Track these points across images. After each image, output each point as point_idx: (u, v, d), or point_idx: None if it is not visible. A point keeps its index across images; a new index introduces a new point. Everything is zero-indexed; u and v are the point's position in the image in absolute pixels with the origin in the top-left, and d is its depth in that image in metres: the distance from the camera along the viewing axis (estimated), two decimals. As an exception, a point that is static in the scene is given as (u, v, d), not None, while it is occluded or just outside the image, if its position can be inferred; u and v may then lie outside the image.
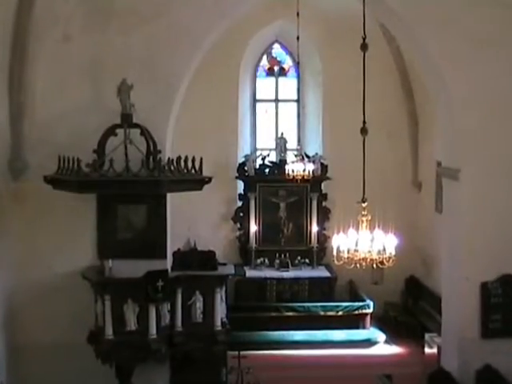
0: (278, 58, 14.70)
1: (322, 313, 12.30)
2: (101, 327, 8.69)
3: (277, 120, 14.64)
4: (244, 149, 14.18)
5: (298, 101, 14.35)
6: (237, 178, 13.82)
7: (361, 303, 12.42)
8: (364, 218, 6.23)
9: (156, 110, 9.03)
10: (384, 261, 6.15)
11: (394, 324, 12.98)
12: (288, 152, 13.83)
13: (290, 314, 12.31)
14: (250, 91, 14.46)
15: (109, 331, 8.56)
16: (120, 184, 8.24)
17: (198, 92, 12.46)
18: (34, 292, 9.09)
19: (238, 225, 13.95)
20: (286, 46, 14.47)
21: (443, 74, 8.79)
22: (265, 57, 14.65)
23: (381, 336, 12.24)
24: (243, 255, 13.84)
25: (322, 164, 13.68)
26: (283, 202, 13.85)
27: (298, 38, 11.92)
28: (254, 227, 13.68)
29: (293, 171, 11.90)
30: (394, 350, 12.09)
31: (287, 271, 13.28)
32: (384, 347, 12.14)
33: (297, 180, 11.98)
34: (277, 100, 14.66)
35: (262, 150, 14.39)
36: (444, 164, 9.76)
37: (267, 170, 13.90)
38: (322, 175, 13.71)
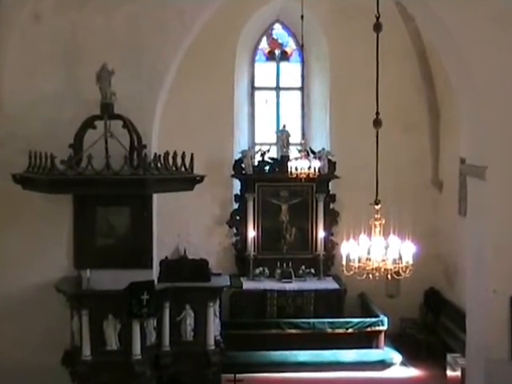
0: (280, 40, 14.70)
1: (329, 330, 12.30)
2: (77, 347, 8.69)
3: (278, 111, 14.65)
4: (241, 143, 14.18)
5: (301, 89, 14.32)
6: (233, 176, 13.82)
7: (374, 319, 12.42)
8: (377, 223, 6.21)
9: (141, 99, 9.04)
10: (400, 271, 6.14)
11: (411, 343, 12.97)
12: (291, 147, 13.83)
13: (293, 331, 12.30)
14: (247, 78, 14.46)
15: (86, 351, 8.57)
16: (99, 183, 8.25)
17: (188, 79, 12.46)
18: (0, 307, 9.07)
19: (234, 230, 13.94)
20: (289, 26, 14.48)
21: (467, 59, 8.79)
22: (264, 39, 14.66)
23: (396, 357, 12.23)
24: (240, 264, 13.83)
25: (329, 161, 13.68)
26: (285, 203, 13.84)
27: (302, 18, 11.92)
28: (252, 232, 13.67)
29: (296, 169, 11.90)
30: (412, 372, 12.07)
31: (290, 282, 13.27)
32: (400, 369, 12.12)
33: (301, 179, 11.97)
34: (278, 88, 14.67)
35: (261, 144, 14.39)
36: (469, 161, 9.76)
37: (267, 168, 13.90)
38: (330, 173, 13.71)
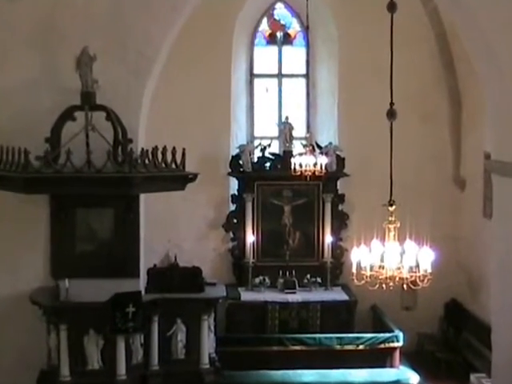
0: (282, 22, 14.68)
1: (338, 347, 12.26)
2: (55, 366, 8.70)
3: (280, 100, 14.61)
4: (238, 137, 14.16)
5: (306, 76, 14.31)
6: (229, 174, 13.81)
7: (387, 335, 12.39)
8: (392, 226, 6.21)
9: (126, 87, 9.04)
10: (417, 280, 6.13)
11: (430, 361, 12.96)
12: (294, 141, 13.80)
13: (298, 348, 12.27)
14: (245, 64, 14.44)
15: (65, 371, 8.58)
16: (80, 182, 8.28)
17: (179, 65, 12.43)
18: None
19: (231, 234, 13.93)
20: (292, 5, 14.46)
21: (493, 45, 8.76)
22: (265, 20, 14.64)
23: (413, 377, 12.21)
24: (237, 273, 13.82)
25: (337, 156, 13.66)
26: (288, 204, 13.82)
27: (307, -4, 11.92)
28: (250, 237, 13.66)
29: (300, 166, 11.86)
30: (431, 394, 12.09)
31: (293, 293, 13.25)
32: (417, 391, 12.13)
33: (305, 177, 11.93)
34: (280, 75, 14.64)
35: (261, 138, 14.35)
36: (494, 156, 9.73)
37: (268, 165, 13.88)
38: (338, 171, 13.70)
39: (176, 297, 9.15)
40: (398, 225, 6.23)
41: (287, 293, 13.23)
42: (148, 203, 9.83)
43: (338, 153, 13.65)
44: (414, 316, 12.91)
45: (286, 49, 14.64)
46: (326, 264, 13.67)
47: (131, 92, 9.09)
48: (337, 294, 13.33)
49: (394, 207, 6.28)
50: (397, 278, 6.12)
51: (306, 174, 11.86)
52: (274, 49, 14.63)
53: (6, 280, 9.09)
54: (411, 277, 6.12)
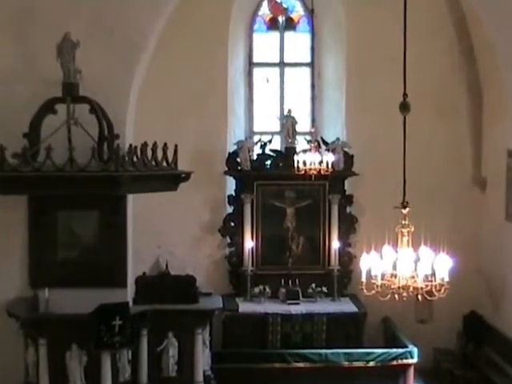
0: (284, 5, 14.68)
1: (346, 363, 12.26)
2: (33, 384, 8.69)
3: (282, 92, 14.60)
4: (236, 132, 14.16)
5: (311, 65, 14.30)
6: (226, 173, 13.80)
7: (400, 350, 12.39)
8: (405, 230, 6.23)
9: (112, 78, 9.04)
10: (433, 290, 6.14)
11: (447, 379, 12.96)
12: (298, 137, 13.80)
13: (301, 364, 12.27)
14: (244, 52, 14.42)
15: (45, 390, 8.56)
16: (61, 182, 8.26)
17: (171, 54, 12.44)
18: None
19: (228, 239, 13.92)
20: (296, -13, 14.49)
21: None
22: (265, 3, 14.64)
23: (429, 396, 12.22)
24: (235, 282, 13.81)
25: (345, 154, 13.65)
26: (291, 206, 13.82)
27: (312, -23, 11.93)
28: (249, 242, 13.64)
29: (305, 164, 11.88)
30: (448, 416, 12.09)
31: (297, 304, 13.25)
32: (433, 412, 12.14)
33: (310, 176, 11.96)
34: (282, 64, 14.63)
35: (261, 134, 14.34)
36: (518, 154, 9.74)
37: (269, 163, 13.87)
38: (346, 169, 13.68)
39: (167, 308, 9.14)
40: (412, 229, 6.24)
41: (290, 304, 13.21)
42: (136, 205, 9.81)
43: (345, 149, 13.63)
44: (430, 330, 12.87)
45: (288, 35, 14.60)
46: (332, 272, 13.66)
47: (118, 83, 9.09)
48: (344, 306, 13.30)
49: (407, 209, 6.28)
50: (411, 288, 6.13)
51: (311, 172, 11.88)
52: (276, 35, 14.60)
53: (-20, 290, 9.09)
54: (426, 286, 6.12)
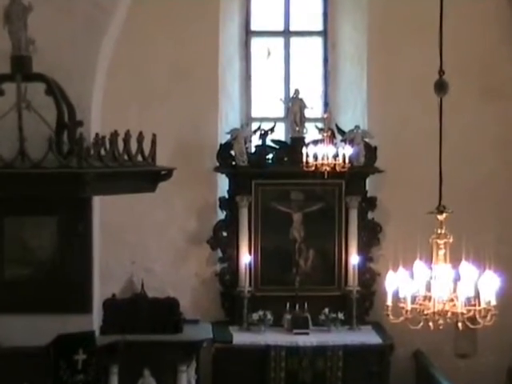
0: (290, -41, 14.74)
1: (367, 408, 12.32)
2: None
3: (287, 68, 14.63)
4: (230, 118, 14.17)
5: (324, 34, 14.36)
6: (217, 170, 13.80)
7: (436, 391, 12.43)
8: (441, 241, 6.23)
9: (74, 50, 9.01)
10: (477, 317, 6.12)
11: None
12: (307, 124, 13.80)
13: (312, 409, 12.32)
14: (239, 17, 14.43)
15: None
16: (10, 180, 8.23)
17: (147, 19, 12.46)
18: None
19: (220, 253, 13.93)
20: None
21: None
22: (266, -43, 14.69)
23: None
24: (228, 306, 13.82)
25: (366, 145, 13.65)
26: (299, 211, 13.81)
27: None
28: (246, 257, 13.64)
29: (315, 158, 11.91)
30: None
31: (306, 334, 13.24)
32: None
33: (323, 174, 11.98)
34: (287, 33, 14.66)
35: (261, 120, 14.36)
36: None
37: (270, 157, 13.89)
38: (368, 165, 13.68)
39: (143, 339, 9.14)
40: (451, 240, 6.25)
41: (297, 334, 13.22)
42: (105, 210, 9.79)
43: (367, 140, 13.63)
44: (473, 366, 12.90)
45: (294, -3, 14.65)
46: (350, 294, 13.65)
47: (81, 56, 9.08)
48: (366, 336, 13.31)
49: (444, 215, 6.28)
50: (449, 314, 6.12)
51: (323, 169, 11.90)
52: (279, -3, 14.64)
53: None
54: (469, 312, 6.11)
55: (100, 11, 9.17)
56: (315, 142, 12.40)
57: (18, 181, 8.25)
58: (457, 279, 6.16)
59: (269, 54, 14.67)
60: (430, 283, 6.18)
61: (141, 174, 8.79)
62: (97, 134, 8.72)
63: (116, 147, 8.56)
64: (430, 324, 6.16)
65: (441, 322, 6.15)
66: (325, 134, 12.34)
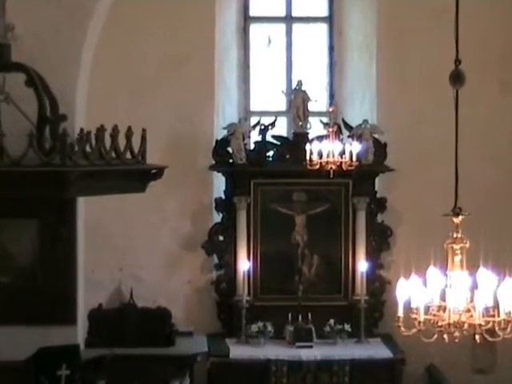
0: None
1: (376, 427, 12.32)
2: None
3: (289, 57, 14.64)
4: (226, 112, 14.18)
5: (329, 20, 14.38)
6: (212, 168, 13.79)
7: (451, 409, 12.44)
8: (458, 246, 6.23)
9: (57, 37, 9.00)
10: (496, 329, 6.13)
11: None
12: (311, 119, 13.81)
13: (316, 429, 12.32)
14: (237, 2, 14.44)
15: None
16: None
17: (140, 5, 12.50)
18: None
19: (216, 259, 13.92)
20: None
21: None
22: None
23: None
24: (225, 317, 13.82)
25: (375, 142, 13.64)
26: (302, 213, 13.81)
27: None
28: (245, 263, 13.63)
29: (320, 155, 11.91)
30: None
31: (309, 347, 13.25)
32: None
33: (328, 172, 11.98)
34: (289, 18, 14.66)
35: (260, 114, 14.39)
36: None
37: (271, 154, 13.89)
38: (377, 163, 13.68)
39: (132, 353, 9.15)
40: (468, 245, 6.24)
41: (300, 347, 13.22)
42: (90, 212, 9.76)
43: (376, 136, 13.63)
44: (492, 382, 12.88)
45: (297, -20, 14.68)
46: (358, 304, 13.64)
47: (65, 44, 9.06)
48: (375, 349, 13.32)
49: (460, 218, 6.28)
50: (465, 325, 6.13)
51: (329, 167, 11.90)
52: (280, -20, 14.66)
53: None
54: (487, 323, 6.12)
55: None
56: (320, 138, 12.39)
57: (-5, 180, 8.26)
58: (474, 287, 6.16)
59: (269, 41, 14.68)
60: (444, 292, 6.18)
61: (130, 173, 8.76)
62: (81, 130, 8.69)
63: (103, 143, 8.53)
64: (445, 336, 6.17)
65: (456, 334, 6.15)
66: (330, 130, 12.31)
